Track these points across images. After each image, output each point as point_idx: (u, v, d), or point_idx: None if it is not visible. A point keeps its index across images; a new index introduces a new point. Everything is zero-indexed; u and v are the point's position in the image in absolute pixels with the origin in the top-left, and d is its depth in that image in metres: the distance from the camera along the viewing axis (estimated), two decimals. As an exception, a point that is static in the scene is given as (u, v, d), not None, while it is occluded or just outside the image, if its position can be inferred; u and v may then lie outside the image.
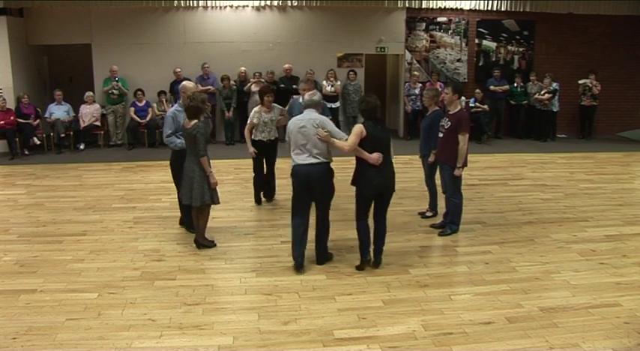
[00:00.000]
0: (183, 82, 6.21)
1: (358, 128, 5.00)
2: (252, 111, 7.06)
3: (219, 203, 5.71)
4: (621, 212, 7.07)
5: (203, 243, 5.72)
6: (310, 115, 5.16)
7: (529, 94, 12.14)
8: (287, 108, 7.52)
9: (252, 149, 7.00)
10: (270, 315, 4.32)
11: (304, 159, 5.06)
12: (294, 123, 5.17)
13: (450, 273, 5.22)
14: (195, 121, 5.40)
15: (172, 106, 11.05)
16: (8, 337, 3.95)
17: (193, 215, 5.70)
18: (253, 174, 7.29)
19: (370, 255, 5.26)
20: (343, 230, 6.20)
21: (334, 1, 11.73)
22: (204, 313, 4.34)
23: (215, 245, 5.77)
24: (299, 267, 5.14)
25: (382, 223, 5.25)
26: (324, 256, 5.33)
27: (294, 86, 11.25)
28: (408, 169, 9.07)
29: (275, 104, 7.08)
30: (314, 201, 5.21)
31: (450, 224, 6.19)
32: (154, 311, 4.37)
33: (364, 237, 5.17)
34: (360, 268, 5.22)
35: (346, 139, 5.06)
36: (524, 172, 9.30)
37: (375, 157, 4.95)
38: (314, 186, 5.09)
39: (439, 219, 6.51)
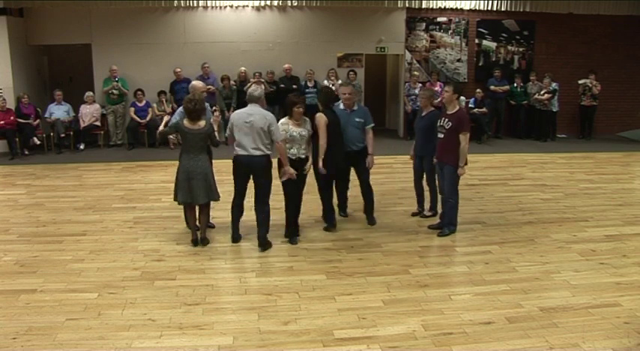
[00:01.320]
0: (193, 82, 6.37)
1: (322, 119, 5.80)
2: (279, 123, 5.74)
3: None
4: (621, 212, 7.07)
5: (207, 238, 5.85)
6: (256, 110, 5.51)
7: (529, 94, 12.14)
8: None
9: (291, 170, 5.65)
10: (270, 315, 4.32)
11: (245, 150, 5.48)
12: (240, 115, 5.54)
13: (450, 273, 5.22)
14: (204, 121, 5.62)
15: (172, 106, 11.17)
16: (8, 337, 3.95)
17: (197, 213, 5.78)
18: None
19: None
20: (343, 230, 6.21)
21: (334, 1, 11.73)
22: (204, 313, 4.34)
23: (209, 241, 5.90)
24: (239, 238, 5.88)
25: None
26: (266, 240, 5.76)
27: (294, 86, 11.30)
28: (408, 170, 9.01)
29: (305, 117, 5.89)
30: (255, 189, 5.68)
31: (449, 225, 6.19)
32: (154, 311, 4.37)
33: (330, 204, 6.21)
34: (327, 229, 6.21)
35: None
36: (524, 172, 9.30)
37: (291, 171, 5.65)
38: (254, 175, 5.59)
39: (436, 220, 6.50)
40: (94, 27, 11.36)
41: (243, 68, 11.48)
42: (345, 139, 6.11)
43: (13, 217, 6.88)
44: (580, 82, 12.17)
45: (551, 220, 6.73)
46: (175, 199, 5.74)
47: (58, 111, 10.82)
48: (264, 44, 11.82)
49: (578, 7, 12.46)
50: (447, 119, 5.97)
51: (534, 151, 11.11)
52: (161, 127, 6.09)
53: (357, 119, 6.25)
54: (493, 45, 12.57)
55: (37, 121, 10.69)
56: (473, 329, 4.11)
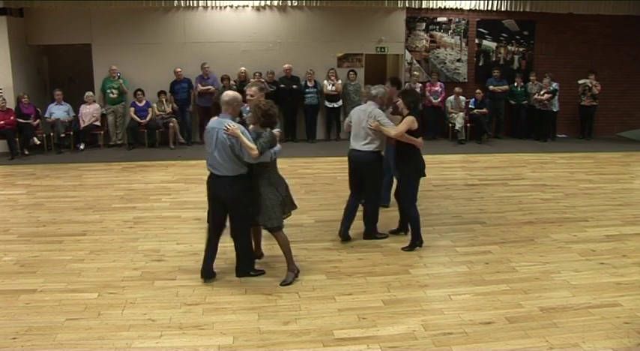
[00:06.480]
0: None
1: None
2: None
3: None
4: (621, 212, 7.07)
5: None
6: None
7: (529, 94, 12.14)
8: None
9: None
10: (270, 315, 4.32)
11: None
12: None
13: (450, 273, 5.21)
14: None
15: (172, 106, 11.17)
16: (8, 337, 3.95)
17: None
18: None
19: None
20: (343, 230, 6.20)
21: (334, 1, 11.73)
22: (204, 313, 4.34)
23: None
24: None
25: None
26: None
27: (294, 86, 11.31)
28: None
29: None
30: None
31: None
32: (154, 311, 4.36)
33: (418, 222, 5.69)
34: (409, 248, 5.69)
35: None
36: (524, 172, 9.29)
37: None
38: None
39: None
40: (94, 27, 11.36)
41: (243, 68, 11.48)
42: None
43: (13, 217, 6.87)
44: (580, 82, 12.17)
45: (551, 220, 6.73)
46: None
47: (58, 111, 10.82)
48: (264, 44, 11.82)
49: (578, 7, 12.46)
50: None
51: (534, 151, 11.11)
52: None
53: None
54: (493, 45, 12.57)
55: (37, 121, 10.70)
56: (473, 329, 4.10)
